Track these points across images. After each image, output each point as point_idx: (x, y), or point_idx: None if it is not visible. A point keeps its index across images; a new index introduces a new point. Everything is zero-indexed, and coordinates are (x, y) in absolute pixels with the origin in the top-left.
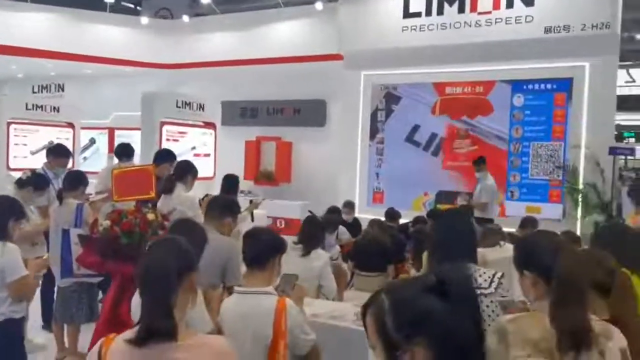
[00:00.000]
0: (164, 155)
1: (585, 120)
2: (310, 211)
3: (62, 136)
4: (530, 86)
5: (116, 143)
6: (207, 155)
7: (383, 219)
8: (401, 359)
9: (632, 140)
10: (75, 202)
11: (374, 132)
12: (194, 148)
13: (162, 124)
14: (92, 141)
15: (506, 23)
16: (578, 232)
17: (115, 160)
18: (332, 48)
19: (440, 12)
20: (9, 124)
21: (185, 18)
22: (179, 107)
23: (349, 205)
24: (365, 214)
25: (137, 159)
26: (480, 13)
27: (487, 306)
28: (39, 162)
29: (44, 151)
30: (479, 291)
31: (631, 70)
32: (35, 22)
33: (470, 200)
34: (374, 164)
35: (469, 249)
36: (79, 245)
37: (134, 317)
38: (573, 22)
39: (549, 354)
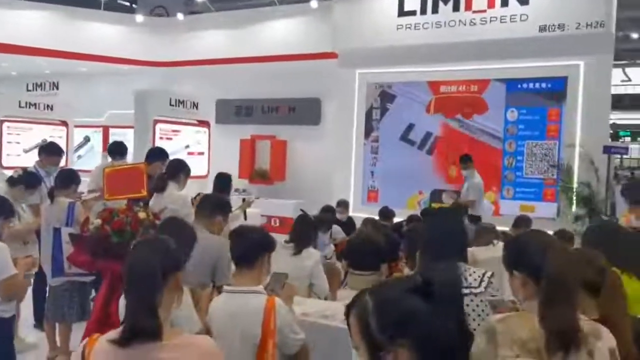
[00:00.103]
0: (157, 154)
1: (580, 119)
2: (302, 210)
3: (56, 134)
4: (525, 85)
5: (110, 141)
6: (201, 153)
7: (377, 217)
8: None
9: (628, 139)
10: (66, 200)
11: (368, 130)
12: (187, 146)
13: (156, 122)
14: (87, 139)
15: (501, 22)
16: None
17: (109, 159)
18: (326, 46)
19: (435, 10)
20: (2, 121)
21: (180, 16)
22: (173, 106)
23: (343, 204)
24: (360, 213)
25: (130, 158)
26: (475, 12)
27: (477, 305)
28: (32, 160)
29: (37, 149)
30: (468, 290)
31: (627, 69)
32: (29, 20)
33: (457, 198)
34: (369, 162)
35: (460, 248)
36: (70, 244)
37: (122, 317)
38: (568, 21)
39: (537, 354)
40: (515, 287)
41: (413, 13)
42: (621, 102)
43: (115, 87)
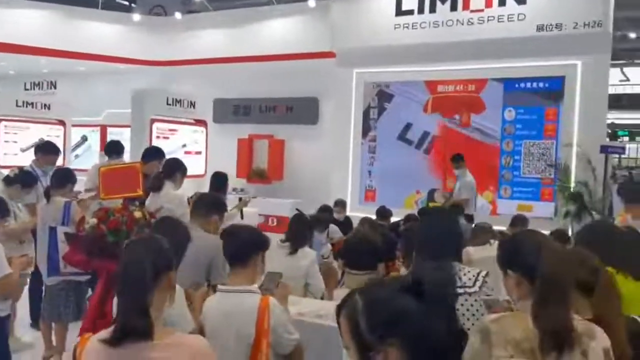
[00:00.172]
0: (153, 153)
1: (577, 118)
2: (297, 209)
3: (53, 133)
4: (522, 84)
5: (108, 140)
6: (198, 152)
7: (375, 217)
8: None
9: (626, 138)
10: (62, 199)
11: (366, 130)
12: (184, 145)
13: (152, 121)
14: (84, 139)
15: (498, 21)
16: (570, 231)
17: (106, 158)
18: (324, 45)
19: (432, 9)
20: None
21: (178, 15)
22: (170, 105)
23: (341, 203)
24: (358, 212)
25: (127, 157)
26: (472, 11)
27: (472, 305)
28: (29, 159)
29: (34, 148)
30: (463, 290)
31: (625, 69)
32: (27, 19)
33: (449, 197)
34: (366, 162)
35: (454, 248)
36: (66, 243)
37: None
38: (565, 21)
39: (531, 354)
40: (509, 286)
41: (411, 12)
42: (619, 102)
43: (113, 86)
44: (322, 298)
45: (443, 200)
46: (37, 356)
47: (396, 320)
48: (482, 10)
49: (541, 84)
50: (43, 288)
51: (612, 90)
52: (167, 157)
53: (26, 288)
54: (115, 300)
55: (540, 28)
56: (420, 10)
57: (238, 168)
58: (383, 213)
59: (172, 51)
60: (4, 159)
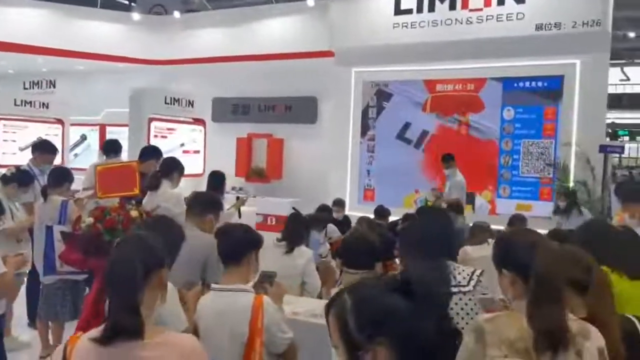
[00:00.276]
0: (150, 152)
1: (576, 117)
2: (294, 208)
3: (52, 132)
4: (521, 83)
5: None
6: (197, 152)
7: (373, 216)
8: (363, 358)
9: (627, 138)
10: (59, 198)
11: (365, 129)
12: (182, 145)
13: (151, 120)
14: (83, 138)
15: (497, 20)
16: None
17: (105, 157)
18: (323, 44)
19: (431, 9)
20: None
21: (177, 14)
22: (168, 104)
23: (339, 203)
24: (356, 212)
25: (125, 156)
26: (471, 10)
27: (466, 304)
28: (28, 158)
29: (31, 147)
30: (457, 289)
31: (626, 69)
32: (27, 18)
33: (440, 196)
34: (365, 161)
35: (448, 247)
36: (62, 242)
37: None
38: (564, 20)
39: (526, 354)
40: (504, 285)
41: (409, 11)
42: (620, 102)
43: (112, 85)
44: (319, 297)
45: (434, 199)
46: (34, 355)
47: (384, 319)
48: (481, 10)
49: (540, 83)
50: (40, 287)
51: (612, 90)
52: (165, 156)
53: (23, 287)
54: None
55: (539, 27)
56: (419, 10)
57: (237, 167)
58: (381, 212)
59: (171, 50)
60: (3, 158)
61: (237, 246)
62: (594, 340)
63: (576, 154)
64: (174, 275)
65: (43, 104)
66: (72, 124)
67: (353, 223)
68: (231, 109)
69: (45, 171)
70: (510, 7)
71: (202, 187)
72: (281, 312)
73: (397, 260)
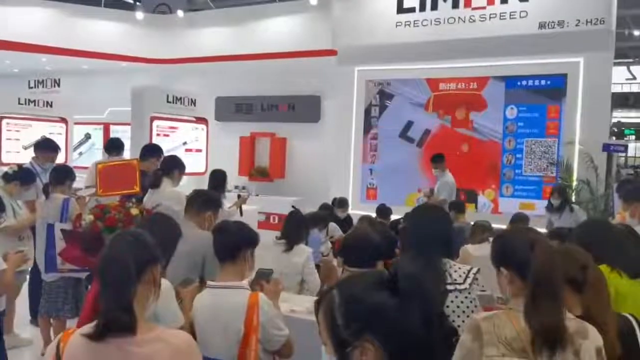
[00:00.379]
0: (151, 150)
1: (580, 116)
2: (293, 206)
3: (55, 131)
4: (524, 82)
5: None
6: (199, 150)
7: (375, 215)
8: (351, 355)
9: (633, 137)
10: (61, 196)
11: (367, 128)
12: (185, 143)
13: (152, 118)
14: (88, 136)
15: (500, 19)
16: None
17: (107, 156)
18: (326, 43)
19: (434, 7)
20: (1, 118)
21: (180, 13)
22: (170, 102)
23: (342, 202)
24: (359, 211)
25: (127, 154)
26: (474, 8)
27: (462, 302)
28: (31, 157)
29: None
30: (453, 287)
31: (632, 68)
32: (31, 17)
33: (430, 194)
34: (368, 160)
35: (446, 245)
36: (63, 239)
37: None
38: (567, 18)
39: (523, 353)
40: (502, 284)
41: (412, 10)
42: (626, 101)
43: (117, 84)
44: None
45: (426, 199)
46: (36, 353)
47: (372, 315)
48: (484, 8)
49: (543, 82)
50: (42, 284)
51: (619, 89)
52: (168, 154)
53: (26, 284)
54: None
55: (542, 25)
56: (422, 8)
57: (240, 166)
58: (383, 211)
59: (174, 49)
60: (7, 156)
61: (233, 244)
62: (592, 340)
63: (579, 152)
64: (172, 273)
65: (47, 102)
66: (77, 123)
67: (355, 222)
68: (234, 108)
69: (48, 169)
70: (514, 5)
71: (205, 185)
72: (277, 309)
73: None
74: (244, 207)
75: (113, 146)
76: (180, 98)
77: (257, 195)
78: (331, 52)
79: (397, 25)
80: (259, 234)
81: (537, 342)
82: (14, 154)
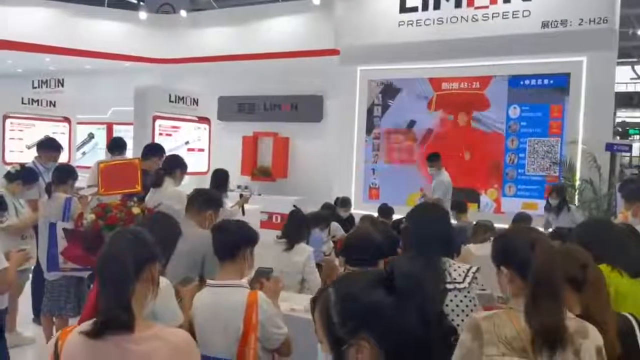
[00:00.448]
0: (152, 150)
1: (583, 116)
2: (294, 205)
3: (58, 131)
4: (527, 81)
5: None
6: (201, 150)
7: (377, 215)
8: (347, 353)
9: (637, 137)
10: (64, 195)
11: (370, 127)
12: (187, 143)
13: (155, 118)
14: (91, 136)
15: (503, 18)
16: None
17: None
18: (329, 43)
19: (436, 6)
20: (4, 117)
21: (183, 13)
22: (173, 102)
23: (345, 202)
24: (361, 210)
25: (130, 154)
26: (477, 8)
27: (461, 301)
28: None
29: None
30: (452, 285)
31: (637, 67)
32: (34, 17)
33: (425, 194)
34: (370, 159)
35: (445, 244)
36: (65, 238)
37: None
38: (571, 17)
39: (523, 352)
40: (502, 283)
41: (415, 9)
42: (631, 100)
43: (120, 84)
44: None
45: (423, 199)
46: (39, 351)
47: (368, 313)
48: (486, 7)
49: (546, 81)
50: (45, 283)
51: (623, 89)
52: (170, 153)
53: (28, 283)
54: None
55: (545, 24)
56: (425, 7)
57: (242, 165)
58: (385, 211)
59: (177, 49)
60: (10, 155)
61: (233, 242)
62: (592, 339)
63: (582, 152)
64: (172, 271)
65: (50, 102)
66: (80, 123)
67: (357, 221)
68: (237, 108)
69: (50, 168)
70: (517, 4)
71: (207, 185)
72: (276, 308)
73: None
74: (246, 206)
75: (116, 146)
76: (183, 98)
77: (260, 194)
78: (334, 52)
79: (399, 25)
80: (260, 233)
81: (537, 341)
82: (17, 153)
